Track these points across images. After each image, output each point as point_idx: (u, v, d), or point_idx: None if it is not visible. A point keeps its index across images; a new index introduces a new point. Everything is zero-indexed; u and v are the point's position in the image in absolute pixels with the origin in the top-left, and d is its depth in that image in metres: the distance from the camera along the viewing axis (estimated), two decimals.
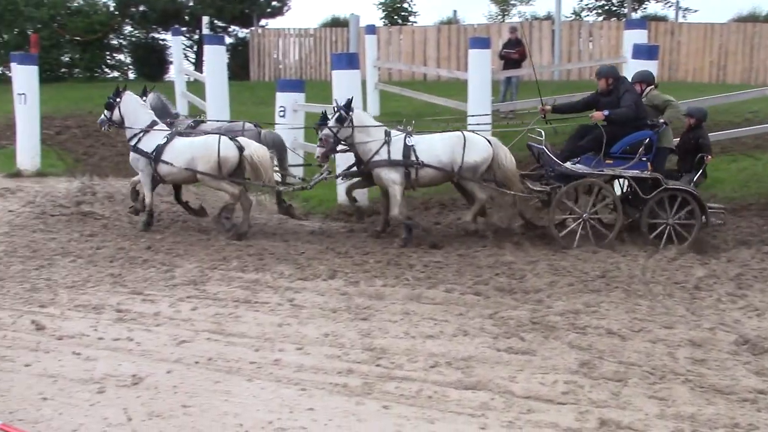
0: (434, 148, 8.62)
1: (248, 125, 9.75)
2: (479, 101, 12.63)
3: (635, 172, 8.50)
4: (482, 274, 7.18)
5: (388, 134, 8.67)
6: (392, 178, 8.51)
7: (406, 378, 4.77)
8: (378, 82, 16.55)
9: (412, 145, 8.56)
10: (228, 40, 27.28)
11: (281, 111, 11.71)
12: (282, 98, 11.67)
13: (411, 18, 27.78)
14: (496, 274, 7.21)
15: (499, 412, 4.33)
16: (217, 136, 8.87)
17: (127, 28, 28.42)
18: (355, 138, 8.59)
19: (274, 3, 27.69)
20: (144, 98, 9.61)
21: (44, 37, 24.41)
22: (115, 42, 28.31)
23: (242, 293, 6.55)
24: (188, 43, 26.97)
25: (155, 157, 8.80)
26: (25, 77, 13.75)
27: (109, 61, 28.31)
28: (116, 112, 9.17)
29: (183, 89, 17.43)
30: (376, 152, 8.54)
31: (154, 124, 9.07)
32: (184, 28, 25.58)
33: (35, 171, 12.99)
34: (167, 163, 8.76)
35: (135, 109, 9.15)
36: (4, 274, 7.08)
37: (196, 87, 16.89)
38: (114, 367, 4.89)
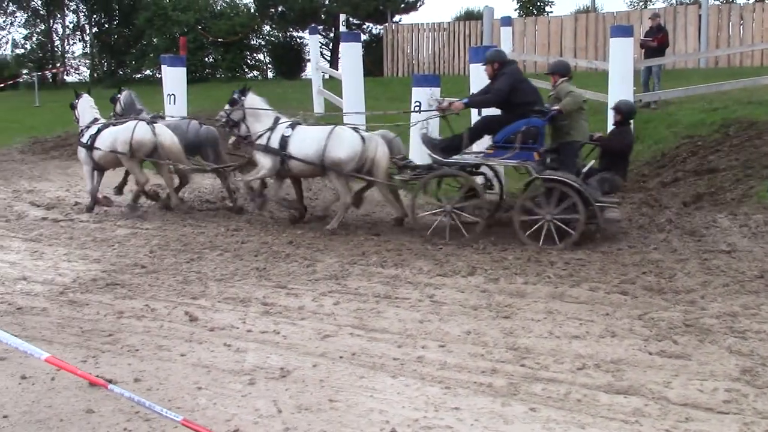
0: (304, 141, 8.95)
1: (194, 122, 10.74)
2: (620, 92, 12.15)
3: (509, 162, 8.27)
4: (628, 273, 6.90)
5: (276, 121, 9.19)
6: (262, 162, 9.13)
7: (553, 380, 4.63)
8: None
9: (288, 136, 8.99)
10: (363, 36, 27.71)
11: (416, 106, 11.73)
12: (417, 93, 11.69)
13: (547, 8, 27.17)
14: (643, 272, 6.90)
15: (654, 420, 4.11)
16: (136, 121, 10.04)
17: (266, 29, 29.40)
18: (247, 121, 9.32)
19: None
20: (118, 96, 11.24)
21: (189, 39, 25.66)
22: (254, 42, 29.35)
23: (382, 288, 6.59)
24: (324, 41, 27.60)
25: (89, 146, 10.14)
26: (174, 78, 14.49)
27: (249, 61, 29.39)
28: (75, 112, 10.79)
29: (319, 86, 17.78)
30: (260, 137, 9.14)
31: (95, 120, 10.43)
32: (320, 27, 26.19)
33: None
34: (97, 149, 10.04)
35: (83, 108, 10.59)
36: (159, 267, 7.45)
37: (333, 84, 17.18)
38: (263, 359, 5.03)
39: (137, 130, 9.84)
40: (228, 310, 6.10)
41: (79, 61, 33.81)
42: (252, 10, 28.36)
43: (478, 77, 10.03)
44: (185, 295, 6.51)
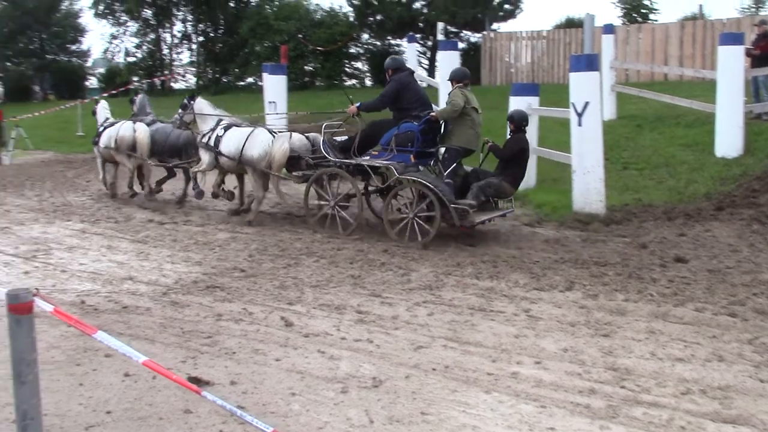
0: (230, 140, 10.05)
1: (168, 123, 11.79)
2: (729, 102, 11.67)
3: (386, 163, 8.90)
4: (737, 293, 6.56)
5: (217, 123, 10.39)
6: (203, 158, 10.42)
7: (655, 404, 4.44)
8: (615, 83, 15.82)
9: (221, 136, 10.15)
10: (460, 45, 27.61)
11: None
12: (516, 102, 11.55)
13: (651, 15, 26.38)
14: (754, 293, 6.55)
15: None
16: (123, 122, 11.73)
17: (365, 37, 29.73)
18: (197, 122, 10.66)
19: (506, 6, 27.57)
20: (135, 98, 12.75)
21: (290, 48, 26.23)
22: (353, 51, 29.71)
23: (477, 301, 6.50)
24: (422, 49, 27.66)
25: (96, 142, 12.09)
26: (275, 86, 14.86)
27: (347, 69, 29.79)
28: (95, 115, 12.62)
29: None
30: (203, 136, 10.42)
31: (106, 121, 12.17)
32: (418, 35, 26.27)
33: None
34: (98, 144, 11.97)
35: (100, 112, 12.44)
36: (257, 271, 7.60)
37: (430, 92, 17.17)
38: (356, 368, 5.04)
39: (121, 129, 11.55)
40: (323, 317, 6.15)
41: (186, 69, 35.12)
42: (351, 19, 28.73)
43: (578, 85, 9.83)
44: (281, 300, 6.61)
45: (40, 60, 37.51)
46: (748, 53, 14.29)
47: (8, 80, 37.33)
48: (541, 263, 7.73)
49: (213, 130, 10.36)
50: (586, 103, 9.73)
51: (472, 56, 26.62)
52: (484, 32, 25.69)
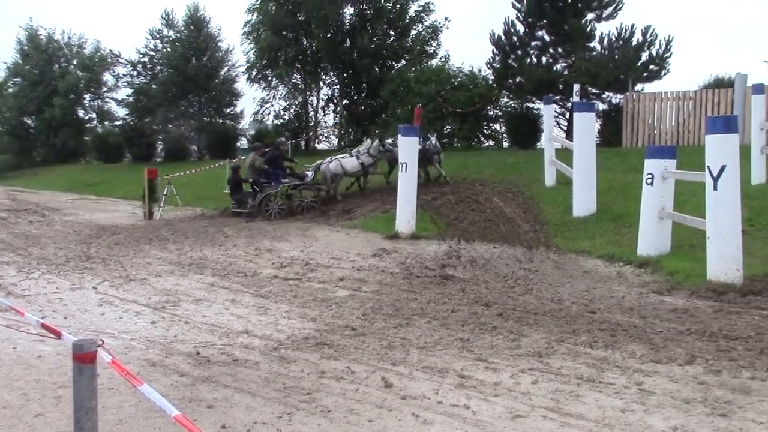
0: None
1: None
2: None
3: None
4: None
5: None
6: None
7: None
8: (765, 146, 14.91)
9: None
10: (601, 106, 27.08)
11: (648, 178, 11.17)
12: (651, 165, 11.15)
13: None
14: None
15: None
16: None
17: (504, 99, 29.79)
18: None
19: (651, 67, 26.79)
20: None
21: (429, 110, 26.70)
22: (491, 113, 29.83)
23: (587, 370, 6.20)
24: (560, 111, 27.36)
25: None
26: (407, 147, 15.07)
27: (485, 130, 29.89)
28: None
29: (552, 156, 17.58)
30: None
31: None
32: (557, 97, 26.01)
33: (410, 233, 14.05)
34: None
35: None
36: (368, 330, 7.65)
37: (565, 154, 16.91)
38: None
39: None
40: (424, 379, 6.07)
41: (330, 130, 36.53)
42: (490, 82, 28.91)
43: (714, 148, 9.38)
44: (386, 360, 6.59)
45: (197, 122, 40.24)
46: None
47: (168, 141, 40.23)
48: (663, 334, 7.28)
49: None
50: (723, 167, 9.24)
51: (613, 117, 26.00)
52: (627, 93, 25.03)
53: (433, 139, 19.39)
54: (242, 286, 9.98)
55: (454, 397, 5.65)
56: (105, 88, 44.97)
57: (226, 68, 42.35)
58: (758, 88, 15.71)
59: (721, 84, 24.15)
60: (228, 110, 42.47)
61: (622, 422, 5.10)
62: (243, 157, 17.86)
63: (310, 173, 18.52)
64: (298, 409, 5.42)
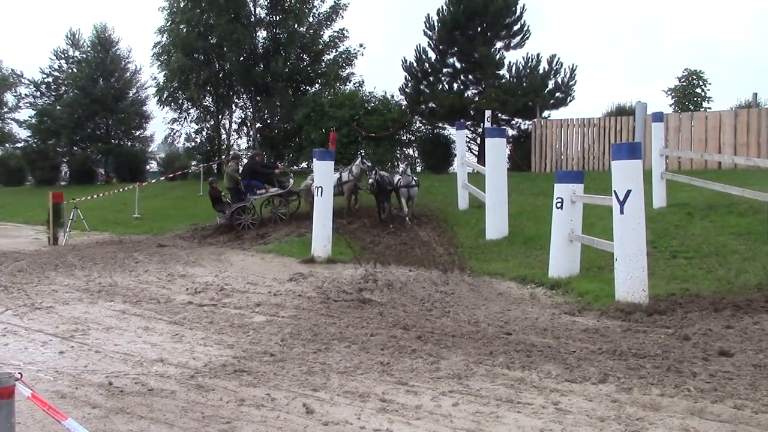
0: None
1: None
2: None
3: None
4: None
5: None
6: None
7: None
8: (665, 171, 15.64)
9: None
10: (511, 132, 27.80)
11: (558, 202, 11.52)
12: (560, 189, 11.51)
13: (704, 103, 26.22)
14: None
15: None
16: None
17: (416, 124, 30.24)
18: None
19: (557, 94, 27.76)
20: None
21: (343, 134, 26.81)
22: (404, 137, 30.22)
23: (505, 391, 6.30)
24: (472, 136, 27.95)
25: None
26: (322, 171, 15.09)
27: (398, 155, 30.24)
28: None
29: (464, 180, 17.94)
30: None
31: None
32: (468, 122, 26.57)
33: (327, 257, 14.02)
34: None
35: None
36: (287, 356, 7.56)
37: (477, 178, 17.27)
38: None
39: None
40: (345, 404, 6.04)
41: (244, 154, 36.16)
42: (403, 107, 29.31)
43: (620, 174, 9.74)
44: (306, 386, 6.53)
45: (105, 144, 39.15)
46: None
47: (73, 164, 38.95)
48: (576, 354, 7.49)
49: None
50: (628, 191, 9.61)
51: (522, 143, 26.75)
52: (535, 119, 25.83)
53: (408, 171, 18.28)
54: (155, 313, 9.71)
55: (377, 421, 5.63)
56: (6, 109, 43.27)
57: (134, 90, 41.45)
58: (658, 116, 16.49)
59: (623, 112, 25.24)
60: (137, 133, 41.52)
61: None
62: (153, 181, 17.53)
63: (291, 181, 19.35)
64: None
